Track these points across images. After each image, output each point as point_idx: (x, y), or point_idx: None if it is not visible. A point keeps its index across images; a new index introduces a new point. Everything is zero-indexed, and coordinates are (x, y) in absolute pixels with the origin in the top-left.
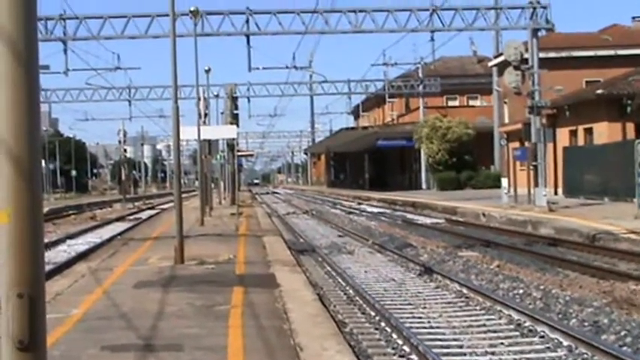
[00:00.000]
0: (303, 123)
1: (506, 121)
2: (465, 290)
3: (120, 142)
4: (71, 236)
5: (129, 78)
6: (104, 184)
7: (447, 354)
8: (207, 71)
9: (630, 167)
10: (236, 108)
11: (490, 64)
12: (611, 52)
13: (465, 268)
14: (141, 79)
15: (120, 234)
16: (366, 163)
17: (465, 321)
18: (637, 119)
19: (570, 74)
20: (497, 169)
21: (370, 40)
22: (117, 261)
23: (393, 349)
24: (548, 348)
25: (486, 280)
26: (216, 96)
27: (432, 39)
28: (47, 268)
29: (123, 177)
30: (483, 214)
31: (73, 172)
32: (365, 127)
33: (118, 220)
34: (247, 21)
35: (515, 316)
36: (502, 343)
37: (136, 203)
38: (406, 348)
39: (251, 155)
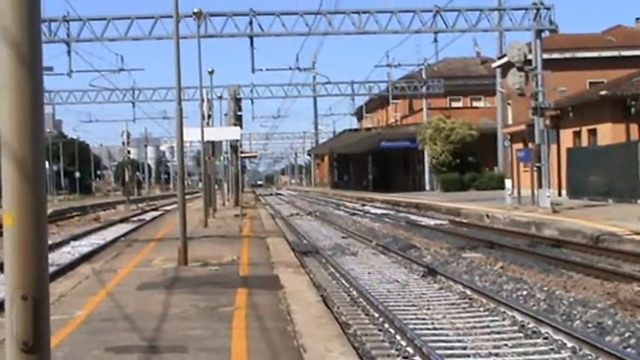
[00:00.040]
0: (307, 124)
1: (510, 122)
2: (468, 291)
3: (123, 143)
4: (75, 238)
5: (132, 79)
6: (108, 185)
7: (451, 355)
8: (211, 73)
9: (634, 168)
10: (239, 109)
11: (493, 65)
12: (615, 53)
13: (469, 270)
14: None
15: (123, 235)
16: (369, 164)
17: (469, 322)
18: None
19: (574, 75)
20: (500, 171)
21: (373, 42)
22: (120, 262)
23: (397, 350)
24: (552, 349)
25: (490, 282)
26: (220, 97)
27: (436, 40)
28: (51, 269)
29: (126, 178)
30: (487, 216)
31: (77, 174)
32: (368, 129)
33: (121, 221)
34: (251, 22)
35: (519, 317)
36: (506, 345)
37: (140, 205)
38: (410, 349)
39: (254, 157)
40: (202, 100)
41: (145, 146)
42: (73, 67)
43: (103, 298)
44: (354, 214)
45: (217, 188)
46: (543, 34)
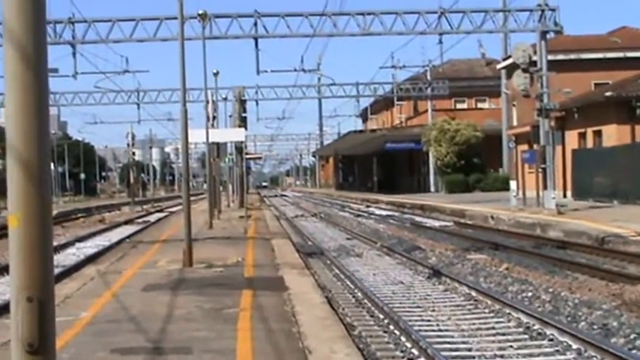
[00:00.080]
0: (312, 126)
1: (515, 123)
2: (473, 293)
3: (128, 145)
4: (80, 239)
5: (137, 81)
6: (113, 187)
7: (456, 357)
8: (216, 74)
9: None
10: (244, 111)
11: (498, 66)
12: (620, 55)
13: (474, 271)
14: (149, 82)
15: (128, 237)
16: (374, 165)
17: (474, 324)
18: None
19: (579, 76)
20: (505, 172)
21: (378, 43)
22: (126, 264)
23: (402, 352)
24: (557, 351)
25: (495, 283)
26: (225, 99)
27: (441, 42)
28: (56, 271)
29: (131, 180)
30: (492, 217)
31: (82, 175)
32: (373, 130)
33: (126, 223)
34: (255, 24)
35: (524, 318)
36: (511, 346)
37: (145, 206)
38: (415, 351)
39: (259, 158)
40: (207, 102)
41: (150, 148)
42: (78, 68)
43: (108, 299)
44: (358, 215)
45: (222, 190)
46: (548, 36)
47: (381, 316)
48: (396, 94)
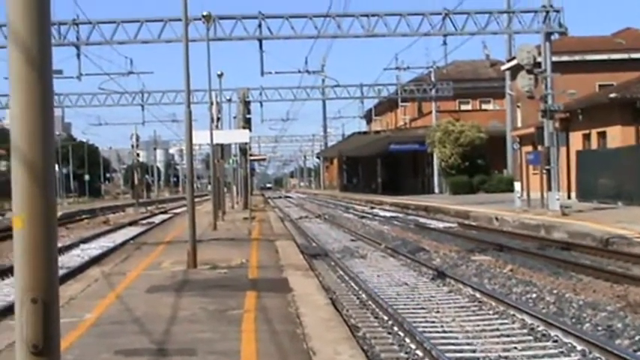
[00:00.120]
0: (316, 127)
1: (519, 124)
2: (477, 294)
3: (133, 146)
4: (84, 240)
5: (142, 82)
6: (117, 188)
7: (460, 358)
8: (220, 76)
9: None
10: (248, 112)
11: (503, 67)
12: (625, 56)
13: (478, 272)
14: (154, 83)
15: (133, 238)
16: (378, 167)
17: (478, 325)
18: None
19: (583, 78)
20: (510, 173)
21: (383, 44)
22: (130, 265)
23: (406, 353)
24: (562, 352)
25: (499, 284)
26: (229, 100)
27: (445, 43)
28: (61, 272)
29: (136, 181)
30: (496, 218)
31: (86, 177)
32: (377, 132)
33: (130, 224)
34: (260, 25)
35: (529, 320)
36: (515, 348)
37: (149, 207)
38: (419, 352)
39: (263, 159)
40: (211, 103)
41: (154, 149)
42: (83, 70)
43: (112, 300)
44: (363, 216)
45: (226, 191)
46: (553, 37)
47: (386, 318)
48: (400, 95)
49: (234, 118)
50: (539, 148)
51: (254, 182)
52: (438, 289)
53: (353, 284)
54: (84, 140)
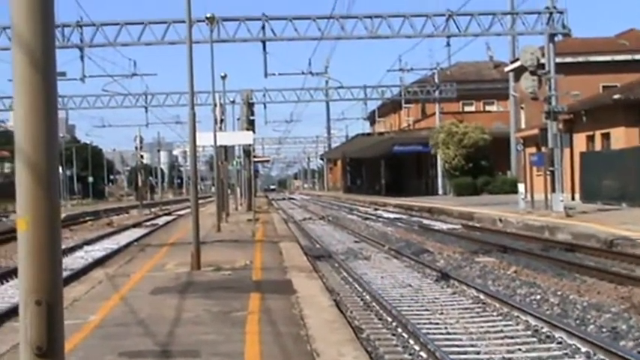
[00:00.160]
0: (319, 129)
1: (523, 126)
2: (481, 296)
3: (136, 148)
4: (88, 242)
5: (145, 84)
6: (121, 190)
7: None
8: (224, 77)
9: None
10: (252, 114)
11: (506, 69)
12: (628, 57)
13: (482, 274)
14: (157, 85)
15: (137, 240)
16: (382, 168)
17: (482, 327)
18: None
19: (587, 79)
20: (513, 175)
21: (386, 46)
22: (134, 267)
23: (410, 355)
24: (566, 354)
25: (503, 286)
26: (233, 102)
27: (448, 44)
28: (64, 274)
29: (139, 183)
30: (500, 220)
31: (90, 179)
32: (381, 133)
33: (134, 226)
34: (263, 27)
35: (533, 321)
36: (520, 349)
37: (153, 209)
38: (423, 354)
39: (267, 161)
40: (215, 105)
41: (158, 151)
42: (86, 72)
43: (116, 302)
44: (366, 218)
45: (230, 193)
46: (556, 38)
47: (389, 319)
48: (403, 96)
49: (238, 119)
50: (543, 149)
51: (258, 184)
52: (442, 291)
53: (357, 286)
54: (88, 142)
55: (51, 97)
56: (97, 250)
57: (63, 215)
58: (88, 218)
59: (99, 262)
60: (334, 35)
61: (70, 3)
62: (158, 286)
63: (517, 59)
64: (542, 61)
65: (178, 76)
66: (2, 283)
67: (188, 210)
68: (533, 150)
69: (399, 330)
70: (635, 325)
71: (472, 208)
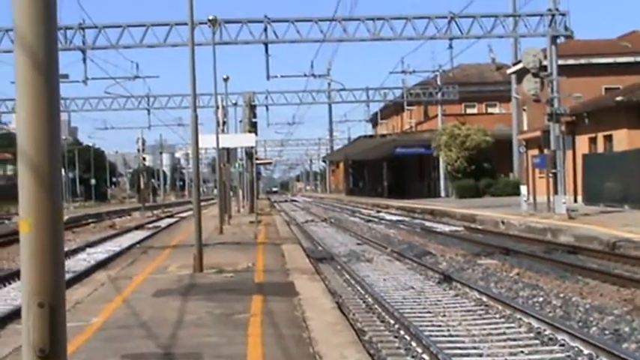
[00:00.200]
0: (322, 131)
1: (525, 128)
2: (484, 298)
3: (139, 150)
4: (91, 245)
5: (148, 87)
6: (123, 192)
7: None
8: (226, 80)
9: None
10: (254, 116)
11: (509, 71)
12: (631, 59)
13: (485, 276)
14: (159, 87)
15: (139, 242)
16: (384, 170)
17: (485, 329)
18: None
19: (589, 81)
20: (516, 177)
21: (388, 48)
22: (136, 269)
23: (413, 357)
24: (569, 356)
25: (506, 288)
26: (235, 104)
27: (451, 46)
28: (67, 276)
29: (142, 185)
30: (502, 222)
31: (93, 181)
32: (383, 135)
33: (137, 228)
34: (265, 29)
35: (535, 324)
36: (522, 352)
37: (155, 212)
38: (426, 356)
39: (269, 163)
40: (217, 107)
41: (160, 153)
42: (89, 74)
43: (118, 304)
44: (369, 220)
45: (232, 195)
46: (558, 40)
47: (392, 322)
48: (406, 99)
49: (240, 122)
50: (546, 151)
51: (260, 186)
52: (444, 293)
53: (359, 288)
54: (90, 144)
55: (53, 99)
56: (100, 253)
57: (65, 217)
58: (90, 220)
59: (101, 265)
60: (336, 37)
61: (72, 5)
62: (160, 288)
63: (519, 61)
64: (545, 63)
65: (181, 79)
66: (5, 286)
67: (190, 212)
68: (535, 152)
69: (402, 332)
70: (637, 327)
71: (474, 211)
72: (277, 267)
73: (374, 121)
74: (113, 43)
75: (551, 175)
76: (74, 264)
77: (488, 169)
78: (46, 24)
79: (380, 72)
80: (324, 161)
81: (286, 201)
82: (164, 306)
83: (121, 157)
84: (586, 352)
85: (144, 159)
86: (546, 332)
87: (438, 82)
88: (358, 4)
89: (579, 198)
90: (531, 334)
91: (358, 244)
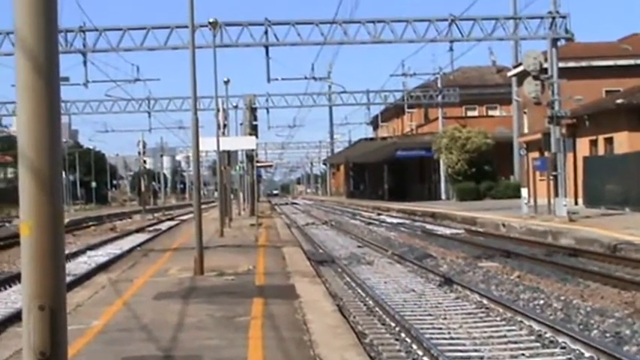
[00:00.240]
0: (322, 133)
1: (526, 131)
2: (485, 301)
3: (139, 153)
4: (91, 247)
5: (148, 89)
6: (124, 195)
7: None
8: (227, 82)
9: None
10: (255, 119)
11: (509, 74)
12: (631, 62)
13: (485, 279)
14: (160, 90)
15: (140, 245)
16: (385, 173)
17: (486, 332)
18: None
19: (590, 84)
20: (516, 180)
21: (389, 51)
22: (137, 272)
23: None
24: (570, 359)
25: (507, 291)
26: (236, 107)
27: (451, 49)
28: (68, 279)
29: (142, 188)
30: (503, 225)
31: (93, 184)
32: (384, 138)
33: (137, 231)
34: (266, 32)
35: (536, 326)
36: (523, 354)
37: (156, 214)
38: (427, 359)
39: (270, 166)
40: (218, 110)
41: (161, 156)
42: (89, 77)
43: (119, 307)
44: (369, 223)
45: (233, 198)
46: (559, 43)
47: (393, 324)
48: (406, 101)
49: (241, 124)
50: (546, 154)
51: (261, 189)
52: (445, 296)
53: (360, 291)
54: (91, 147)
55: (54, 102)
56: (100, 256)
57: (66, 220)
58: (91, 223)
59: (102, 268)
60: (337, 40)
61: (73, 8)
62: (161, 291)
63: (520, 64)
64: (545, 65)
65: (181, 81)
66: (5, 289)
67: (191, 215)
68: (536, 155)
69: (403, 335)
70: (638, 330)
71: (475, 213)
72: (278, 270)
73: (375, 123)
74: (114, 45)
75: (551, 177)
76: (75, 267)
77: (488, 171)
78: (47, 27)
79: (380, 74)
80: (324, 164)
81: (287, 204)
82: (165, 309)
83: (122, 160)
84: (587, 354)
85: (144, 162)
86: (547, 335)
87: (439, 85)
88: (359, 7)
89: (580, 200)
90: (532, 337)
91: (359, 246)
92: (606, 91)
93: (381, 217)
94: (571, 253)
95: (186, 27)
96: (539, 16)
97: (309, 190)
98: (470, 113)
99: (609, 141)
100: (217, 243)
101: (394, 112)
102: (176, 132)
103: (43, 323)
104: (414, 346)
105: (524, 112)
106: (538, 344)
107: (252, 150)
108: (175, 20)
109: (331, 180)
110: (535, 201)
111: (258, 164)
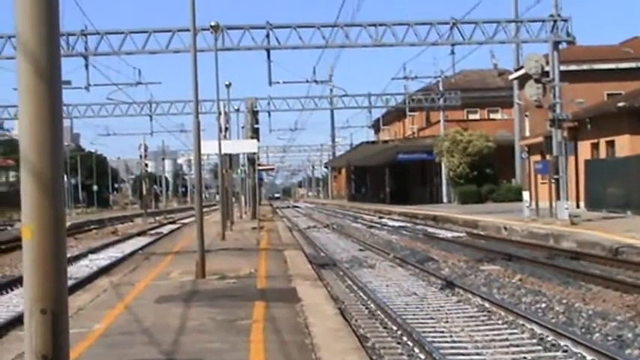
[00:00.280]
0: (324, 137)
1: (527, 134)
2: (486, 304)
3: (141, 156)
4: (93, 251)
5: (150, 93)
6: (125, 198)
7: None
8: (228, 86)
9: None
10: (257, 122)
11: (511, 77)
12: (633, 65)
13: (487, 282)
14: (162, 93)
15: (141, 248)
16: (386, 176)
17: (487, 335)
18: None
19: (591, 87)
20: (518, 183)
21: (390, 54)
22: (138, 276)
23: None
24: None
25: (508, 294)
26: (237, 110)
27: (453, 52)
28: (69, 282)
29: (144, 191)
30: (505, 228)
31: (95, 187)
32: (385, 141)
33: (139, 234)
34: (267, 35)
35: (538, 330)
36: (525, 358)
37: (157, 218)
38: None
39: (272, 169)
40: (219, 113)
41: (163, 159)
42: (91, 80)
43: (121, 311)
44: (371, 226)
45: (235, 201)
46: (560, 46)
47: (395, 328)
48: (408, 105)
49: (243, 128)
50: (548, 157)
51: (262, 192)
52: (446, 299)
53: (362, 294)
54: (92, 150)
55: (56, 105)
56: (102, 259)
57: (68, 224)
58: (92, 227)
59: (104, 271)
60: (338, 43)
61: (74, 12)
62: (163, 294)
63: (521, 67)
64: (547, 68)
65: (183, 85)
66: (7, 292)
67: (192, 218)
68: (537, 158)
69: (404, 338)
70: None
71: (477, 216)
72: (279, 273)
73: (376, 127)
74: (115, 49)
75: (553, 180)
76: (76, 270)
77: (490, 174)
78: (49, 30)
79: (382, 78)
80: (326, 167)
81: (288, 207)
82: (166, 312)
83: (124, 164)
84: (589, 358)
85: (146, 165)
86: (549, 338)
87: (440, 88)
88: (360, 10)
89: (582, 204)
90: (534, 340)
91: (360, 250)
92: (608, 94)
93: (383, 220)
94: (573, 257)
95: (187, 30)
96: (540, 19)
97: (310, 194)
98: (471, 116)
99: (611, 144)
100: (219, 246)
101: (396, 115)
102: (178, 135)
103: (44, 326)
104: (416, 350)
105: (526, 115)
106: (540, 347)
107: (254, 153)
108: (177, 24)
109: (333, 183)
110: (537, 204)
111: (260, 167)
